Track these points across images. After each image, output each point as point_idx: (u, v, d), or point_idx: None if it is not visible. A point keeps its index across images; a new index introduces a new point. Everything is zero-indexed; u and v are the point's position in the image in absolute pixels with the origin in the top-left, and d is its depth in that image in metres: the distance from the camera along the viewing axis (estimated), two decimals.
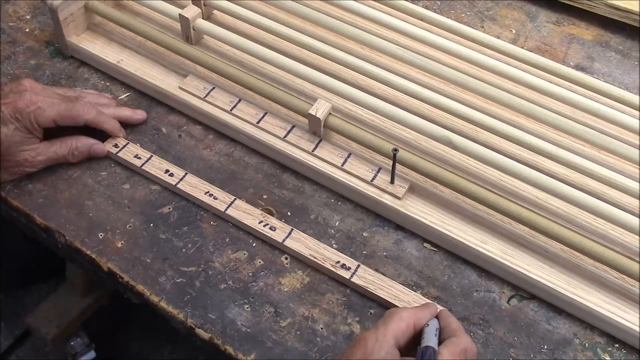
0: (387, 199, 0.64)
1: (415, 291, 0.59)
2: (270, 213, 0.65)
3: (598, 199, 0.60)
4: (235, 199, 0.65)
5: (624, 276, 0.58)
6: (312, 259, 0.61)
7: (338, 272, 0.60)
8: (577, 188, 0.61)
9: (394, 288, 0.59)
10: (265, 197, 0.66)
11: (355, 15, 0.77)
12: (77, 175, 0.68)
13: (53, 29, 0.78)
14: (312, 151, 0.67)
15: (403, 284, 0.60)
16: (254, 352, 0.57)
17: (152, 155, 0.68)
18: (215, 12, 0.79)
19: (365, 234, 0.64)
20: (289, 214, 0.65)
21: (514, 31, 0.82)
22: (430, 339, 0.49)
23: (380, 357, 0.47)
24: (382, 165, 0.66)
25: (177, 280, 0.61)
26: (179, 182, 0.66)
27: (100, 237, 0.63)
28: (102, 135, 0.69)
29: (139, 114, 0.71)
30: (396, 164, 0.63)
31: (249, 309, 0.59)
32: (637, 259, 0.58)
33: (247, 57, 0.74)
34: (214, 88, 0.71)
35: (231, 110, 0.70)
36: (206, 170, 0.68)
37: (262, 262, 0.62)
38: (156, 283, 0.60)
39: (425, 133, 0.66)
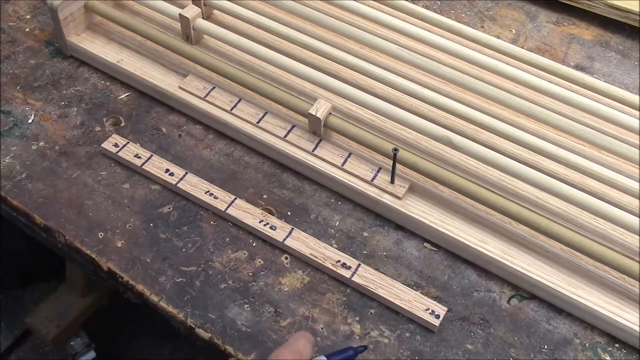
0: (387, 199, 0.64)
1: (415, 291, 0.59)
2: (271, 213, 0.65)
3: (598, 199, 0.60)
4: (235, 199, 0.65)
5: (624, 276, 0.58)
6: (313, 258, 0.61)
7: (339, 271, 0.60)
8: (577, 188, 0.61)
9: (394, 287, 0.59)
10: (265, 196, 0.66)
11: (355, 15, 0.77)
12: (77, 175, 0.68)
13: (53, 28, 0.78)
14: (312, 151, 0.67)
15: (403, 284, 0.60)
16: (254, 352, 0.57)
17: (152, 155, 0.68)
18: (215, 12, 0.79)
19: (365, 234, 0.64)
20: (289, 213, 0.65)
21: (514, 31, 0.82)
22: None
23: None
24: (382, 165, 0.66)
25: (177, 280, 0.61)
26: (179, 182, 0.66)
27: (100, 236, 0.63)
28: (102, 138, 0.69)
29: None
30: (396, 163, 0.63)
31: (249, 309, 0.59)
32: (637, 259, 0.58)
33: (247, 57, 0.74)
34: (214, 88, 0.71)
35: (231, 110, 0.70)
36: (206, 169, 0.68)
37: (262, 262, 0.62)
38: (156, 283, 0.60)
39: (425, 133, 0.66)
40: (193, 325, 0.58)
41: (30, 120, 0.72)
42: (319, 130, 0.67)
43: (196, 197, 0.65)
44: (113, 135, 0.69)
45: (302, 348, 0.50)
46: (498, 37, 0.78)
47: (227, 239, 0.63)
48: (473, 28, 0.76)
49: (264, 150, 0.69)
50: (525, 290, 0.61)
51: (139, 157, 0.67)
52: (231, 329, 0.58)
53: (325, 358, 0.51)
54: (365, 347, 0.54)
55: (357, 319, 0.59)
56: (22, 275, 1.21)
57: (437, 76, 0.71)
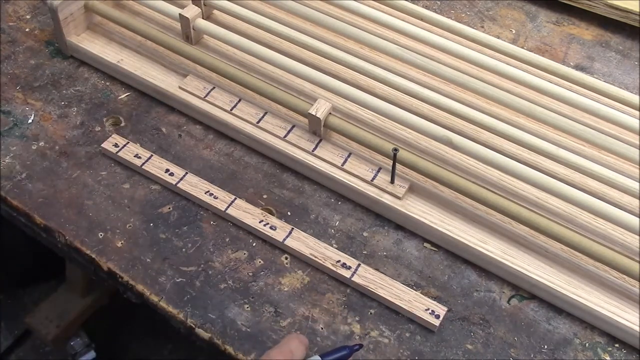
0: (387, 199, 0.64)
1: (415, 291, 0.59)
2: (271, 213, 0.65)
3: (598, 199, 0.60)
4: (235, 199, 0.65)
5: (624, 276, 0.58)
6: (313, 258, 0.61)
7: (339, 271, 0.60)
8: (577, 188, 0.61)
9: (394, 287, 0.59)
10: (265, 196, 0.66)
11: (355, 15, 0.77)
12: (77, 175, 0.68)
13: (53, 28, 0.78)
14: (312, 151, 0.67)
15: (403, 284, 0.60)
16: (254, 352, 0.57)
17: (152, 155, 0.68)
18: (215, 12, 0.79)
19: (365, 234, 0.64)
20: (289, 213, 0.65)
21: (514, 31, 0.82)
22: None
23: None
24: (382, 165, 0.66)
25: (177, 280, 0.61)
26: (179, 182, 0.66)
27: (100, 236, 0.63)
28: (102, 138, 0.69)
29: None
30: (396, 163, 0.63)
31: (249, 309, 0.59)
32: (637, 259, 0.58)
33: (247, 57, 0.74)
34: (214, 88, 0.71)
35: (231, 110, 0.70)
36: (206, 169, 0.68)
37: (262, 262, 0.62)
38: (156, 283, 0.60)
39: (425, 133, 0.66)
40: (193, 325, 0.58)
41: (30, 120, 0.72)
42: (319, 130, 0.67)
43: (196, 197, 0.65)
44: (113, 135, 0.69)
45: (294, 349, 0.50)
46: (498, 37, 0.78)
47: (227, 239, 0.63)
48: (473, 28, 0.76)
49: (264, 150, 0.69)
50: (525, 290, 0.61)
51: (139, 157, 0.67)
52: (231, 329, 0.58)
53: (319, 358, 0.51)
54: (360, 346, 0.54)
55: (357, 319, 0.59)
56: (22, 275, 1.21)
57: (437, 76, 0.71)
